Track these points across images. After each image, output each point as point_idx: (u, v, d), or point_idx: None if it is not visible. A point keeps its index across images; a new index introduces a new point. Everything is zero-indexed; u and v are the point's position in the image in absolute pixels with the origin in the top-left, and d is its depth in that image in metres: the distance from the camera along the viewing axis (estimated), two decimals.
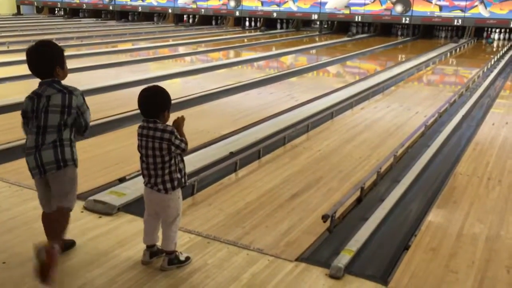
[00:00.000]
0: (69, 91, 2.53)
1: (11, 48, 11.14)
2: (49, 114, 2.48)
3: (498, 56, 12.01)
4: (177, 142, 2.51)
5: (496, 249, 2.95)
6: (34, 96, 2.55)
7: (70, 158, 2.51)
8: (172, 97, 2.63)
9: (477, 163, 4.50)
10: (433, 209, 3.51)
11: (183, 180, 2.60)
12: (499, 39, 16.30)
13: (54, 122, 2.47)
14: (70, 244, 2.78)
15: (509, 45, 14.81)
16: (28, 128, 2.56)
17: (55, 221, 2.57)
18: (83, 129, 2.62)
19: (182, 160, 2.61)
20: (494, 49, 14.50)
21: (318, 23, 18.61)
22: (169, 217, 2.59)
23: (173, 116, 2.63)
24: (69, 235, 2.83)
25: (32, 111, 2.53)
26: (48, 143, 2.46)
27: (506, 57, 11.99)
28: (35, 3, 23.59)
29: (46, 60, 2.53)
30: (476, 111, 6.67)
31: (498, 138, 5.34)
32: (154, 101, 2.53)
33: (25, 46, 10.57)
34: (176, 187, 2.56)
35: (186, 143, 2.56)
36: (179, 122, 2.59)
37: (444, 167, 4.44)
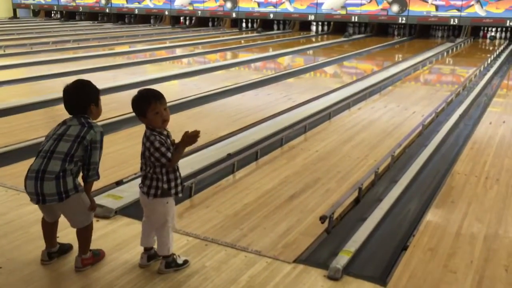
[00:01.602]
0: (90, 126, 2.52)
1: (8, 51, 11.11)
2: (61, 142, 2.47)
3: (495, 55, 12.03)
4: (156, 155, 2.44)
5: (494, 248, 2.95)
6: (61, 122, 2.58)
7: (72, 188, 2.47)
8: (169, 99, 2.62)
9: (475, 162, 4.50)
10: (431, 209, 3.50)
11: (172, 191, 2.53)
12: (495, 38, 16.34)
13: (63, 149, 2.45)
14: (67, 248, 2.77)
15: (506, 43, 14.84)
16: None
17: (80, 237, 2.62)
18: (89, 166, 2.52)
19: (174, 171, 2.54)
20: (491, 48, 14.52)
21: (314, 24, 18.63)
22: (156, 222, 2.57)
23: (174, 118, 2.61)
24: (65, 239, 2.83)
25: (51, 134, 2.54)
26: (52, 173, 2.42)
27: (503, 56, 12.02)
28: (32, 6, 23.57)
29: (81, 98, 2.56)
30: (473, 110, 6.67)
31: (496, 137, 5.34)
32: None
33: (22, 50, 10.57)
34: (159, 196, 2.51)
35: (168, 160, 2.44)
36: (188, 139, 2.47)
37: (441, 167, 4.44)
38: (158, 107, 2.48)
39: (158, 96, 2.51)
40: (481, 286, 2.56)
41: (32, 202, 2.54)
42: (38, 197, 2.45)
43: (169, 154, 2.45)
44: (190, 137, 2.47)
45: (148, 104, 2.46)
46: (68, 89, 2.57)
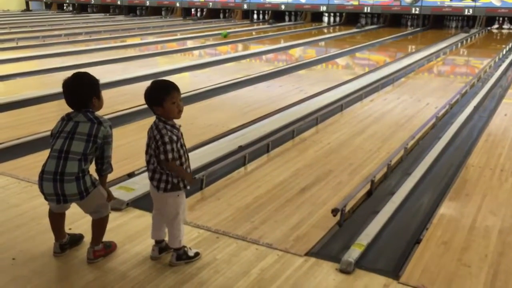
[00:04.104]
0: (99, 122, 2.51)
1: (20, 44, 11.18)
2: (74, 141, 2.46)
3: (510, 46, 11.83)
4: (161, 148, 2.44)
5: (509, 242, 2.90)
6: (65, 117, 2.55)
7: (91, 185, 2.50)
8: (181, 91, 2.60)
9: (490, 155, 4.43)
10: (444, 202, 3.46)
11: (181, 184, 2.53)
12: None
13: (79, 150, 2.44)
14: (78, 238, 2.78)
15: None
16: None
17: (95, 227, 2.63)
18: (102, 160, 2.55)
19: (181, 165, 2.52)
20: (506, 39, 14.29)
21: (326, 15, 18.48)
22: (168, 215, 2.57)
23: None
24: (78, 230, 2.84)
25: (57, 132, 2.53)
26: (71, 174, 2.42)
27: None
28: None
29: (83, 92, 2.53)
30: (488, 102, 6.58)
31: (511, 129, 5.25)
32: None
33: (34, 42, 10.61)
34: (169, 190, 2.51)
35: (167, 160, 2.43)
36: (190, 181, 2.58)
37: (455, 159, 4.38)
38: (176, 96, 2.50)
39: (176, 87, 2.53)
40: (496, 280, 2.52)
41: (51, 202, 2.55)
42: (59, 198, 2.47)
43: (170, 155, 2.45)
44: (191, 182, 2.57)
45: (167, 93, 2.47)
46: (68, 85, 2.54)
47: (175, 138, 2.48)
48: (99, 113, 2.61)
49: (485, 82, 7.64)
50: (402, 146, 4.43)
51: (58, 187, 2.43)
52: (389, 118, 5.66)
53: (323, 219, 3.16)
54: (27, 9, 23.35)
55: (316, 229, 3.03)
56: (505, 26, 16.30)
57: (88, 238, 2.70)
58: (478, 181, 3.84)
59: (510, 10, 15.27)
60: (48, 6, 24.12)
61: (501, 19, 16.33)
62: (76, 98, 2.54)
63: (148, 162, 2.55)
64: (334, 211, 3.06)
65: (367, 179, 3.68)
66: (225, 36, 12.81)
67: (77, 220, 2.92)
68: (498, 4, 15.36)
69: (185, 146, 2.58)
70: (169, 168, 2.48)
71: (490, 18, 16.21)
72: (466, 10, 15.76)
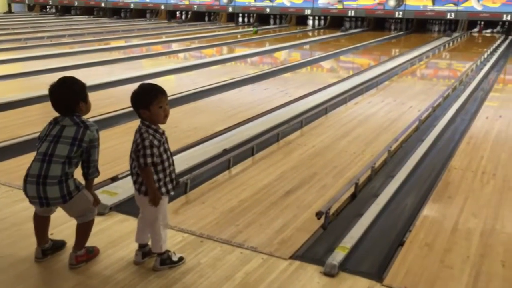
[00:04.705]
0: (85, 126, 2.49)
1: (2, 46, 11.03)
2: (59, 145, 2.44)
3: (491, 50, 12.02)
4: (141, 152, 2.42)
5: (491, 243, 2.94)
6: (52, 122, 2.53)
7: (74, 189, 2.48)
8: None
9: (471, 157, 4.49)
10: (427, 204, 3.49)
11: (163, 190, 2.51)
12: (492, 31, 16.34)
13: (63, 153, 2.43)
14: (61, 245, 2.74)
15: (502, 38, 14.83)
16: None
17: (80, 232, 2.60)
18: (88, 164, 2.52)
19: (164, 170, 2.50)
20: (487, 42, 14.51)
21: (311, 19, 18.57)
22: (147, 218, 2.56)
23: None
24: (60, 235, 2.81)
25: (44, 135, 2.50)
26: (54, 177, 2.40)
27: (499, 51, 12.00)
28: (26, 1, 23.41)
29: (69, 97, 2.51)
30: (469, 105, 6.66)
31: (492, 132, 5.33)
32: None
33: (17, 45, 10.39)
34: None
35: (145, 165, 2.42)
36: (154, 200, 2.49)
37: (438, 162, 4.43)
38: (163, 101, 2.49)
39: (164, 91, 2.53)
40: (478, 282, 2.55)
41: (34, 205, 2.53)
42: (42, 201, 2.45)
43: (149, 160, 2.43)
44: (154, 201, 2.48)
45: (155, 97, 2.46)
46: (54, 90, 2.51)
47: (156, 142, 2.46)
48: (86, 116, 2.59)
49: (467, 85, 7.74)
50: (385, 149, 4.46)
51: (41, 190, 2.42)
52: (373, 121, 5.71)
53: (307, 222, 3.16)
54: (9, 11, 23.07)
55: (301, 232, 3.04)
56: (487, 30, 16.56)
57: (70, 243, 2.67)
58: (460, 183, 3.89)
59: (491, 15, 15.51)
60: (30, 8, 23.85)
61: (482, 23, 16.58)
62: (63, 103, 2.52)
63: (131, 165, 2.54)
64: (319, 214, 3.07)
65: (351, 181, 3.70)
66: (255, 32, 12.87)
67: (59, 225, 2.88)
68: (479, 8, 15.59)
69: (169, 151, 2.56)
70: (143, 173, 2.45)
71: (472, 22, 16.45)
72: (449, 14, 15.97)
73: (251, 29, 16.58)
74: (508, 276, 2.61)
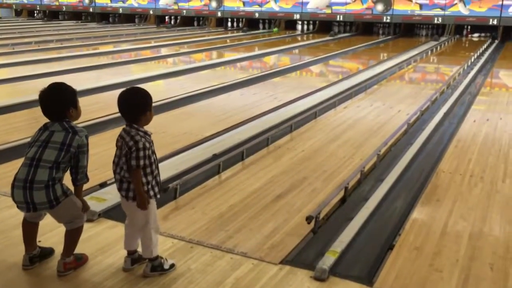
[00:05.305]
0: (74, 131, 2.47)
1: None
2: (47, 150, 2.43)
3: (478, 53, 12.15)
4: (134, 154, 2.40)
5: (479, 246, 2.96)
6: (42, 127, 2.52)
7: (61, 194, 2.46)
8: (154, 99, 2.60)
9: (459, 160, 4.52)
10: (416, 207, 3.51)
11: (151, 193, 2.50)
12: (479, 36, 16.52)
13: (50, 158, 2.41)
14: (49, 252, 2.71)
15: (489, 42, 15.00)
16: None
17: (68, 238, 2.57)
18: (77, 170, 2.50)
19: (152, 173, 2.49)
20: (475, 46, 14.67)
21: (300, 23, 18.65)
22: (137, 224, 2.54)
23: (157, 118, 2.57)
24: (47, 242, 2.78)
25: (33, 141, 2.49)
26: (40, 182, 2.39)
27: (486, 54, 12.14)
28: (14, 6, 23.24)
29: (59, 103, 2.50)
30: (457, 108, 6.72)
31: (480, 135, 5.38)
32: (133, 103, 2.49)
33: (4, 50, 10.30)
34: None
35: (137, 167, 2.40)
36: (141, 204, 2.47)
37: (427, 165, 4.46)
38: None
39: None
40: (467, 285, 2.56)
41: (21, 211, 2.51)
42: (29, 206, 2.43)
43: (142, 162, 2.42)
44: (143, 204, 2.46)
45: (151, 100, 2.52)
46: (44, 96, 2.50)
47: (147, 145, 2.46)
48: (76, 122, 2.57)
49: (455, 89, 7.81)
50: (375, 153, 4.48)
51: (27, 194, 2.40)
52: (362, 125, 5.73)
53: (297, 226, 3.16)
54: None
55: (291, 236, 3.04)
56: (475, 35, 16.74)
57: (58, 250, 2.64)
58: (449, 186, 3.91)
59: (478, 19, 15.68)
60: (18, 13, 23.69)
61: (469, 27, 16.77)
62: (53, 109, 2.50)
63: (114, 171, 2.52)
64: (309, 219, 3.07)
65: (341, 186, 3.71)
66: (276, 32, 12.97)
67: (47, 232, 2.85)
68: (466, 13, 15.76)
69: (155, 154, 2.56)
70: (134, 175, 2.43)
71: (459, 26, 16.62)
72: (436, 18, 16.13)
73: (240, 33, 16.61)
74: (496, 279, 2.63)
